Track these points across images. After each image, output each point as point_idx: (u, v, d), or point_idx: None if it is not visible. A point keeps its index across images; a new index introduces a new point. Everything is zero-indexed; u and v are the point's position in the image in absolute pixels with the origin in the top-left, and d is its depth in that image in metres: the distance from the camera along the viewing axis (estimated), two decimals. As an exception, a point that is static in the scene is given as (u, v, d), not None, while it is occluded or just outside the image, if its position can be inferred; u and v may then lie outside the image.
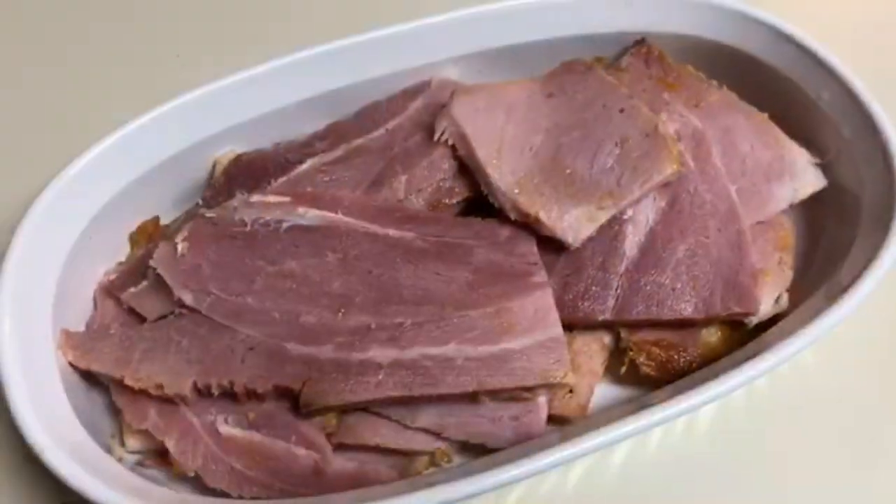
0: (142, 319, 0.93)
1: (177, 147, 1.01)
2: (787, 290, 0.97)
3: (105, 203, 0.96)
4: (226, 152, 1.04)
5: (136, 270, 0.96)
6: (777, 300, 0.95)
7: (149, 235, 1.01)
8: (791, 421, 0.97)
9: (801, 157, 1.03)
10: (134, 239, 1.01)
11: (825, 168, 1.03)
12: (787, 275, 0.97)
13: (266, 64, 1.03)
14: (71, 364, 0.89)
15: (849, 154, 1.01)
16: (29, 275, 0.88)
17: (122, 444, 0.89)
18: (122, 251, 1.01)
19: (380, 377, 0.84)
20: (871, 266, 0.89)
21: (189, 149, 1.02)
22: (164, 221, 1.04)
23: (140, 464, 0.88)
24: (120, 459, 0.88)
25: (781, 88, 1.07)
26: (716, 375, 0.83)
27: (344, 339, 0.86)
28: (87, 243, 0.95)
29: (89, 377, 0.91)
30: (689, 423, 0.97)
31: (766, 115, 1.06)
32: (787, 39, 1.06)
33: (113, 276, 0.97)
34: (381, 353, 0.85)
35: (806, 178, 1.02)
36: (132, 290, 0.94)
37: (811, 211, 1.05)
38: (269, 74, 1.03)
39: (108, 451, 0.87)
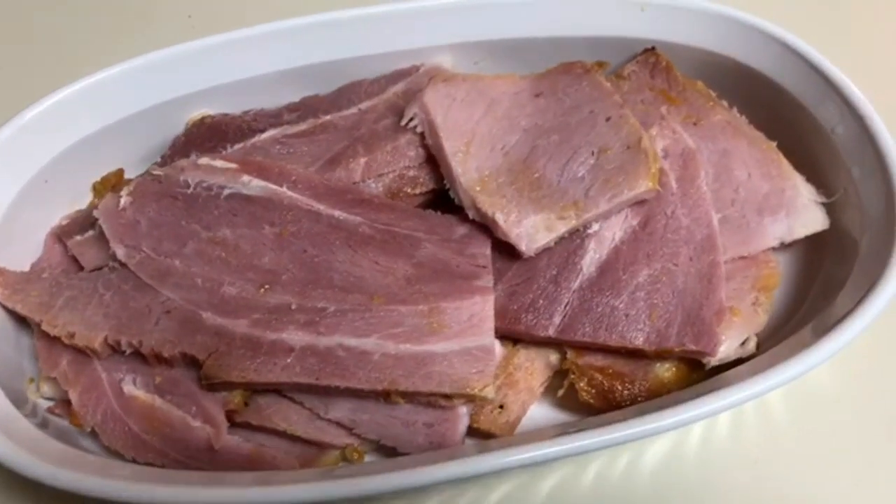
0: (82, 268, 0.91)
1: (150, 102, 0.99)
2: (758, 335, 0.88)
3: (66, 148, 0.96)
4: (200, 114, 1.02)
5: (87, 220, 0.95)
6: (743, 343, 0.87)
7: (112, 186, 0.99)
8: (743, 478, 0.88)
9: (804, 194, 0.94)
10: (97, 188, 1.00)
11: (829, 207, 0.94)
12: (761, 318, 0.89)
13: (253, 27, 1.00)
14: (0, 303, 0.88)
15: (855, 196, 0.91)
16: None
17: (38, 389, 0.87)
18: (85, 199, 1.01)
19: (288, 360, 0.80)
20: (855, 314, 0.80)
21: (163, 105, 1.00)
22: (130, 176, 1.02)
23: (50, 411, 0.87)
24: (33, 406, 0.86)
25: (795, 117, 0.98)
26: (661, 407, 0.76)
27: (261, 315, 0.82)
28: (44, 187, 0.95)
29: (20, 319, 0.90)
30: (633, 461, 0.89)
31: (773, 144, 0.97)
32: (808, 64, 0.97)
33: (66, 222, 0.96)
34: (295, 336, 0.81)
35: (806, 217, 0.93)
36: (77, 237, 0.93)
37: (808, 253, 0.95)
38: (255, 38, 1.01)
39: (24, 396, 0.86)
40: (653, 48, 1.03)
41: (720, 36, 1.02)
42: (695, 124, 0.97)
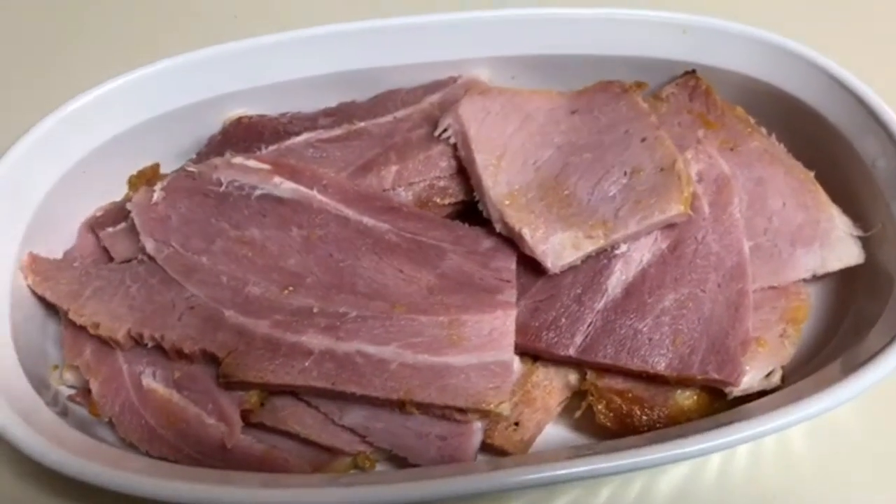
0: (112, 260, 0.93)
1: (189, 100, 1.01)
2: (783, 368, 0.86)
3: (105, 141, 0.97)
4: (238, 114, 1.03)
5: (121, 213, 0.96)
6: (768, 375, 0.85)
7: (147, 180, 1.01)
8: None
9: (840, 226, 0.92)
10: (132, 182, 1.01)
11: (865, 242, 0.92)
12: (787, 351, 0.87)
13: (293, 31, 1.01)
14: (31, 289, 0.89)
15: (893, 231, 0.89)
16: (6, 194, 0.89)
17: (61, 376, 0.89)
18: (121, 192, 1.02)
19: (306, 364, 0.80)
20: (887, 352, 0.78)
21: (202, 103, 1.01)
22: (166, 171, 1.04)
23: (71, 399, 0.88)
24: (55, 393, 0.88)
25: (836, 147, 0.96)
26: (678, 436, 0.75)
27: (283, 317, 0.83)
28: (81, 177, 0.96)
29: (49, 306, 0.91)
30: (646, 488, 0.88)
31: (811, 174, 0.95)
32: (852, 94, 0.95)
33: (100, 213, 0.98)
34: (314, 340, 0.81)
35: (840, 250, 0.91)
36: (110, 229, 0.94)
37: (841, 283, 0.93)
38: (295, 42, 1.01)
39: (46, 382, 0.88)
40: (693, 71, 1.02)
41: (761, 62, 1.00)
42: (731, 150, 0.96)
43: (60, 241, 0.97)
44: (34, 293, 0.90)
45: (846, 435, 0.90)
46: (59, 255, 0.95)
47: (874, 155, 0.93)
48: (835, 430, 0.91)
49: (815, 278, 0.92)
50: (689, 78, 1.02)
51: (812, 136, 0.98)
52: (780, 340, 0.87)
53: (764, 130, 0.99)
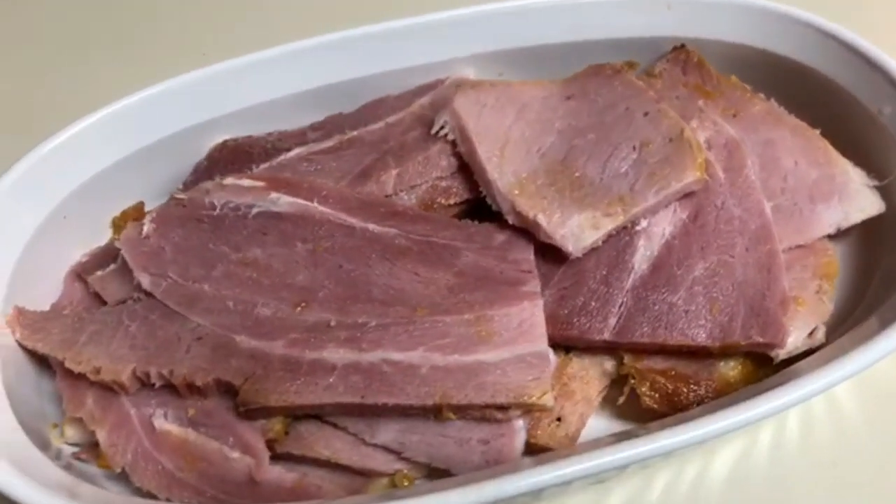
0: (105, 304, 0.87)
1: (168, 130, 0.97)
2: (825, 325, 0.82)
3: (84, 182, 0.92)
4: (221, 140, 0.98)
5: (108, 254, 0.91)
6: (811, 334, 0.81)
7: (131, 221, 0.95)
8: (824, 484, 0.81)
9: (855, 178, 0.90)
10: (116, 224, 0.96)
11: (884, 191, 0.89)
12: (826, 307, 0.83)
13: (271, 49, 0.98)
14: (20, 344, 0.83)
15: (912, 175, 0.87)
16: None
17: (63, 434, 0.82)
18: (104, 236, 0.97)
19: (330, 380, 0.74)
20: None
21: (182, 133, 0.97)
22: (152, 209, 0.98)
23: (77, 457, 0.81)
24: (57, 452, 0.81)
25: (837, 102, 0.95)
26: (727, 405, 0.70)
27: (299, 335, 0.77)
28: (62, 223, 0.91)
29: (41, 362, 0.85)
30: (700, 473, 0.83)
31: (817, 132, 0.93)
32: (846, 47, 0.93)
33: (86, 259, 0.92)
34: (336, 354, 0.76)
35: (859, 201, 0.89)
36: (98, 273, 0.88)
37: (866, 239, 0.90)
38: (273, 60, 0.98)
39: (46, 442, 0.81)
40: (682, 45, 1.00)
41: (749, 28, 0.99)
42: (734, 116, 0.93)
43: (45, 293, 0.90)
44: (24, 349, 0.83)
45: (891, 391, 0.87)
46: (46, 308, 0.89)
47: (879, 103, 0.91)
48: (878, 388, 0.87)
49: (840, 233, 0.89)
50: (680, 52, 1.00)
51: (810, 94, 0.97)
52: (817, 297, 0.84)
53: (761, 95, 0.97)
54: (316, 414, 0.77)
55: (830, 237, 0.89)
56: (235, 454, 0.75)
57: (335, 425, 0.78)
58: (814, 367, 0.73)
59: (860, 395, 0.87)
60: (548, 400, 0.74)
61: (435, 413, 0.75)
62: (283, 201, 0.85)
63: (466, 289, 0.81)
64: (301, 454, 0.77)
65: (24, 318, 0.84)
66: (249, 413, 0.75)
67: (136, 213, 0.96)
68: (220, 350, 0.77)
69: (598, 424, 0.83)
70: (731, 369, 0.81)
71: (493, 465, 0.76)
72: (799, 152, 0.91)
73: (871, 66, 0.91)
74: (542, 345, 0.77)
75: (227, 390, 0.77)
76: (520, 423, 0.77)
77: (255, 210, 0.84)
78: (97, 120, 0.92)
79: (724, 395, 0.80)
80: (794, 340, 0.80)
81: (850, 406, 0.87)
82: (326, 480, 0.77)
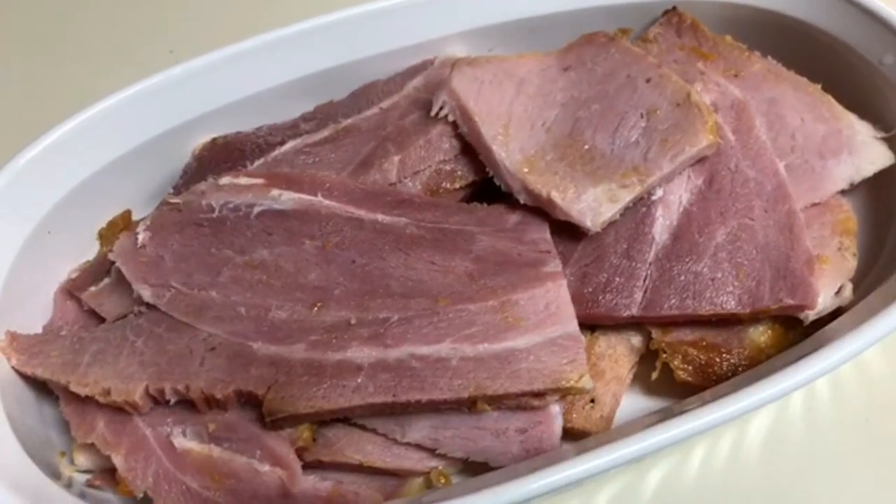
0: (102, 321, 0.82)
1: (151, 133, 0.91)
2: (851, 281, 0.81)
3: (64, 195, 0.87)
4: (207, 139, 0.93)
5: (100, 268, 0.85)
6: (838, 292, 0.80)
7: (119, 232, 0.90)
8: (860, 442, 0.80)
9: (862, 131, 0.89)
10: (104, 235, 0.91)
11: (891, 142, 0.88)
12: (850, 263, 0.82)
13: (251, 39, 0.93)
14: (17, 371, 0.78)
15: (920, 124, 0.86)
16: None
17: (73, 462, 0.77)
18: (92, 249, 0.91)
19: (359, 380, 0.71)
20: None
21: (165, 135, 0.92)
22: (139, 217, 0.93)
23: (90, 485, 0.76)
24: (69, 482, 0.76)
25: (836, 55, 0.93)
26: (764, 376, 0.68)
27: (319, 336, 0.73)
28: (46, 239, 0.86)
29: (41, 388, 0.80)
30: (736, 443, 0.81)
31: (818, 86, 0.92)
32: (842, -1, 0.92)
33: (75, 276, 0.87)
34: (361, 353, 0.72)
35: (869, 154, 0.88)
36: (92, 289, 0.83)
37: (878, 192, 0.89)
38: (255, 51, 0.94)
39: (56, 472, 0.76)
40: (673, 7, 0.98)
41: (742, -14, 0.97)
42: (735, 76, 0.92)
43: (35, 315, 0.85)
44: (21, 376, 0.78)
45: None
46: (38, 331, 0.84)
47: (879, 53, 0.90)
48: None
49: (852, 188, 0.88)
50: (672, 15, 0.98)
51: (807, 50, 0.95)
52: (839, 254, 0.82)
53: (758, 54, 0.95)
54: (342, 418, 0.74)
55: (842, 193, 0.88)
56: (265, 467, 0.71)
57: (364, 427, 0.75)
58: (847, 328, 0.72)
59: (885, 350, 0.86)
60: (586, 382, 0.71)
61: (469, 405, 0.72)
62: (286, 198, 0.80)
63: (487, 274, 0.78)
64: (332, 460, 0.74)
65: (18, 344, 0.78)
66: (276, 423, 0.71)
67: (124, 223, 0.91)
68: (236, 359, 0.73)
69: (632, 403, 0.81)
70: (760, 335, 0.80)
71: (534, 455, 0.73)
72: (804, 109, 0.90)
73: (868, 14, 0.90)
74: (573, 325, 0.74)
75: (249, 401, 0.73)
76: (556, 409, 0.74)
77: (256, 209, 0.80)
78: (72, 128, 0.86)
79: (757, 362, 0.79)
80: (823, 300, 0.79)
81: (878, 362, 0.86)
82: (361, 485, 0.74)
